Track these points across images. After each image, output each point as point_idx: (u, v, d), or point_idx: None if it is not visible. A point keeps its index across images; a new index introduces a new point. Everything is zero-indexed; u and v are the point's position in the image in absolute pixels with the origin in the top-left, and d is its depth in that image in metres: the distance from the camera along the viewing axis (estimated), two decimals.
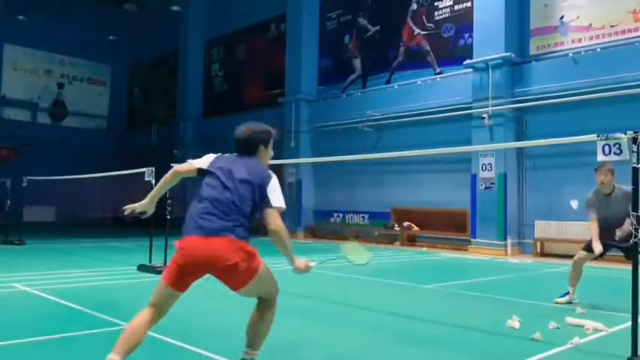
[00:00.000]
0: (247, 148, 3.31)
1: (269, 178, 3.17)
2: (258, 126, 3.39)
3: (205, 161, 3.28)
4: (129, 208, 3.53)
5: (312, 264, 3.32)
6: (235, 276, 3.00)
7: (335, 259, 3.67)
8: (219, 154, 3.39)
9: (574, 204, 5.01)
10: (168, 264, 3.07)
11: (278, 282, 3.26)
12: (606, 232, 5.95)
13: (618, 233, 5.78)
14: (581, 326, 4.89)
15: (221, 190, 3.08)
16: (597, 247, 5.82)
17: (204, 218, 3.01)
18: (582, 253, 6.28)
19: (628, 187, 4.10)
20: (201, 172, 3.25)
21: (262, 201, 3.11)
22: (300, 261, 3.24)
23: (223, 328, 4.79)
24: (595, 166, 5.84)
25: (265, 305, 3.22)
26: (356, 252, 3.73)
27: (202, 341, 4.21)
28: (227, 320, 5.13)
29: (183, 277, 3.04)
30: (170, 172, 3.41)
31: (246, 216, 3.07)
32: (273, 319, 3.26)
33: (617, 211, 5.80)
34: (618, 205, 5.82)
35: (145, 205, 3.52)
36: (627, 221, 5.32)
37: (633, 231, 3.85)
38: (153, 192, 3.50)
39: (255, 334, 3.22)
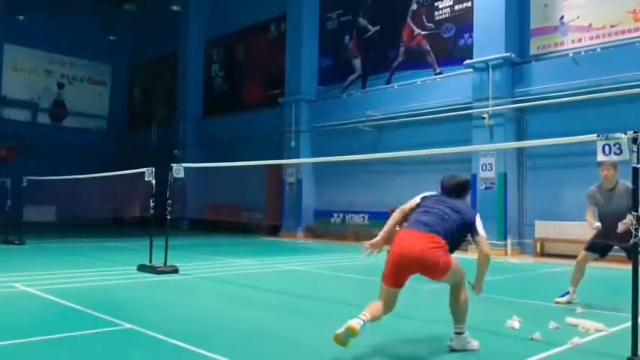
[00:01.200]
0: (461, 191, 4.37)
1: (475, 214, 4.17)
2: (464, 177, 4.52)
3: (418, 199, 4.46)
4: (367, 247, 4.50)
5: (482, 295, 4.27)
6: (437, 269, 3.91)
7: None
8: (434, 193, 4.42)
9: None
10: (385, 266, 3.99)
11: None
12: (608, 228, 5.95)
13: (621, 227, 5.77)
14: (581, 326, 4.89)
15: (429, 211, 4.16)
16: (594, 223, 5.99)
17: (421, 222, 4.07)
18: (584, 253, 6.28)
19: (631, 183, 4.10)
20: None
21: (471, 230, 4.09)
22: (480, 288, 4.18)
23: (224, 328, 4.79)
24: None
25: (457, 289, 4.08)
26: None
27: (202, 341, 4.20)
28: (228, 320, 5.13)
29: (397, 274, 3.99)
30: (397, 212, 4.56)
31: (449, 230, 3.98)
32: (467, 298, 4.08)
33: (620, 206, 5.81)
34: (620, 200, 5.83)
35: (379, 243, 4.50)
36: (629, 216, 5.32)
37: (633, 231, 3.85)
38: (385, 230, 4.53)
39: (456, 312, 4.10)
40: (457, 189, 4.34)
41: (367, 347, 4.11)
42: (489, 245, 4.14)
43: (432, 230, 3.93)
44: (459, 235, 4.04)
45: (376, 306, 3.86)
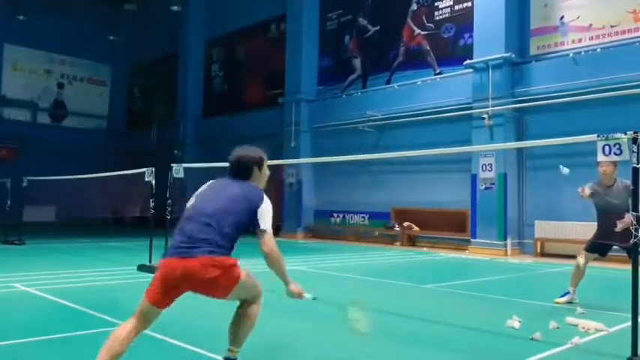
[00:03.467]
0: (240, 171, 3.42)
1: (260, 202, 3.24)
2: (251, 150, 3.50)
3: (192, 199, 3.36)
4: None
5: (307, 295, 3.42)
6: (216, 288, 3.10)
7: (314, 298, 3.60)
8: (216, 179, 3.49)
9: (564, 170, 5.00)
10: (150, 282, 3.14)
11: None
12: (607, 227, 5.96)
13: (619, 225, 5.78)
14: (581, 326, 4.89)
15: (199, 212, 3.18)
16: (584, 191, 6.01)
17: (182, 243, 3.09)
18: (584, 254, 6.28)
19: (629, 181, 4.11)
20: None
21: (253, 223, 3.21)
22: (295, 286, 3.35)
23: (224, 328, 4.78)
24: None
25: (248, 305, 3.31)
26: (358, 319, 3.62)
27: (203, 341, 4.20)
28: (227, 320, 5.12)
29: (165, 293, 3.09)
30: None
31: (227, 235, 3.12)
32: (256, 319, 3.33)
33: (618, 203, 5.82)
34: (619, 197, 5.84)
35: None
36: (627, 215, 5.33)
37: (633, 231, 3.85)
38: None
39: (237, 332, 3.31)
40: (240, 169, 3.42)
41: (368, 347, 4.11)
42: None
43: (198, 251, 3.01)
44: (243, 230, 3.22)
45: (124, 326, 3.10)
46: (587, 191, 6.01)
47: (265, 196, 3.31)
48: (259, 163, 3.47)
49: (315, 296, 3.56)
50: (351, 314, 3.56)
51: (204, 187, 3.43)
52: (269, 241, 3.19)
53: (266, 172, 3.53)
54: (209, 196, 3.28)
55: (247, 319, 3.29)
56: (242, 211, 3.18)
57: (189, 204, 3.33)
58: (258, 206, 3.22)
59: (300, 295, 3.37)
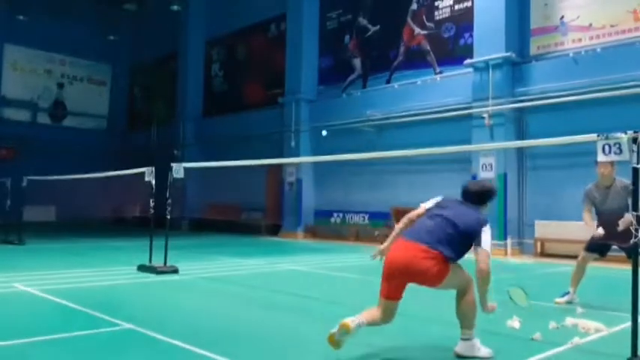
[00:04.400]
0: (479, 199, 4.14)
1: (485, 225, 3.90)
2: (490, 184, 4.38)
3: (430, 203, 4.25)
4: (376, 254, 4.26)
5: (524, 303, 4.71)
6: (429, 278, 3.80)
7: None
8: (450, 198, 4.23)
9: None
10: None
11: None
12: (606, 226, 5.96)
13: (621, 225, 5.78)
14: (581, 326, 4.89)
15: (432, 218, 4.01)
16: (597, 232, 5.97)
17: (418, 232, 3.92)
18: (584, 254, 6.29)
19: (628, 181, 4.11)
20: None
21: (474, 240, 3.87)
22: (492, 305, 3.96)
23: (224, 328, 4.79)
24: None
25: (461, 294, 3.92)
26: (520, 297, 4.88)
27: (203, 341, 4.20)
28: (228, 320, 5.13)
29: (392, 286, 3.85)
30: (405, 218, 4.27)
31: (452, 240, 3.83)
32: (473, 304, 3.89)
33: (617, 204, 5.83)
34: (618, 197, 5.84)
35: (387, 248, 4.15)
36: (627, 215, 5.33)
37: (633, 231, 3.85)
38: (392, 235, 4.22)
39: (462, 317, 3.91)
40: (476, 195, 4.14)
41: (367, 347, 4.11)
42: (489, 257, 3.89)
43: (420, 240, 3.80)
44: (461, 243, 3.87)
45: (373, 312, 3.81)
46: (598, 231, 6.04)
47: (487, 226, 3.92)
48: (492, 198, 4.21)
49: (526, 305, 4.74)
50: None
51: (443, 200, 4.22)
52: (485, 258, 3.82)
53: (489, 205, 4.22)
54: (448, 208, 4.05)
55: (466, 305, 3.87)
56: (470, 228, 3.86)
57: (424, 206, 4.24)
58: (483, 227, 3.87)
59: (493, 310, 3.98)
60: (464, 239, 3.85)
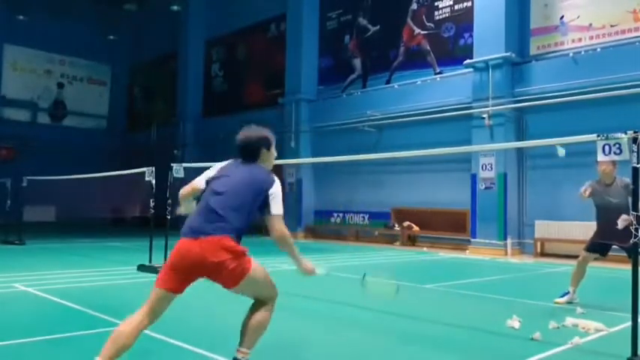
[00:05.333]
0: (248, 153, 3.36)
1: (270, 184, 3.22)
2: (258, 130, 3.43)
3: (203, 177, 3.39)
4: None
5: (320, 270, 3.49)
6: (224, 274, 3.03)
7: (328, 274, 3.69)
8: (227, 161, 3.44)
9: (560, 151, 4.93)
10: (161, 268, 3.13)
11: (276, 285, 3.30)
12: (607, 226, 5.96)
13: (621, 223, 5.77)
14: (581, 326, 4.89)
15: (213, 196, 3.16)
16: (585, 190, 5.94)
17: (194, 222, 3.10)
18: (585, 254, 6.28)
19: (628, 179, 4.11)
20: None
21: (263, 207, 3.20)
22: (307, 264, 3.40)
23: (224, 328, 4.79)
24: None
25: (260, 306, 3.24)
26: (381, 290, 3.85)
27: (203, 341, 4.20)
28: (228, 321, 5.13)
29: (177, 278, 3.08)
30: (186, 192, 3.49)
31: (238, 219, 3.10)
32: (268, 322, 3.25)
33: (617, 202, 5.83)
34: (618, 195, 5.84)
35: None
36: (624, 215, 5.33)
37: (633, 231, 3.85)
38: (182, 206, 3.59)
39: (248, 334, 3.22)
40: (248, 150, 3.36)
41: (367, 347, 4.11)
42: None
43: (210, 233, 3.01)
44: (254, 216, 3.21)
45: (133, 317, 3.08)
46: (588, 190, 6.00)
47: (276, 178, 3.28)
48: (267, 143, 3.40)
49: (328, 272, 3.62)
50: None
51: (217, 169, 3.37)
52: (278, 225, 3.21)
53: (274, 152, 3.48)
54: (222, 182, 3.22)
55: (258, 320, 3.21)
56: (252, 195, 3.15)
57: (200, 179, 3.37)
58: (268, 189, 3.19)
59: (312, 272, 3.41)
60: (256, 209, 3.21)
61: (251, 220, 3.19)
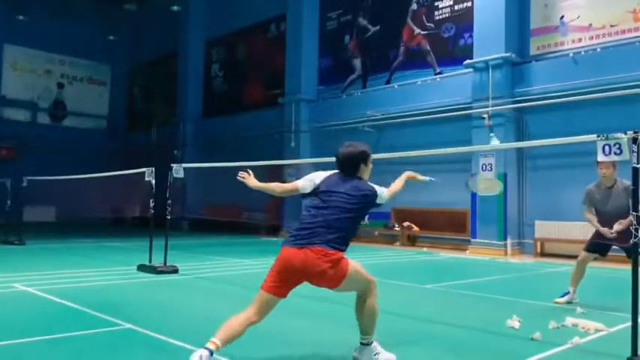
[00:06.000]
0: (350, 167, 3.75)
1: (374, 194, 3.69)
2: (357, 146, 3.82)
3: (309, 184, 3.79)
4: (244, 176, 4.21)
5: (425, 178, 4.30)
6: (327, 279, 3.46)
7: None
8: (327, 173, 3.81)
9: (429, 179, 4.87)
10: (268, 273, 3.54)
11: (371, 276, 3.68)
12: (607, 228, 5.97)
13: (616, 227, 5.79)
14: (581, 326, 4.89)
15: (320, 209, 3.57)
16: (606, 231, 5.92)
17: (300, 232, 3.51)
18: (584, 254, 6.29)
19: (629, 182, 4.11)
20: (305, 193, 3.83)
21: (372, 205, 3.72)
22: (408, 174, 4.25)
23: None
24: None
25: (362, 297, 3.65)
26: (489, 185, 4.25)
27: (203, 341, 4.20)
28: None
29: (282, 284, 3.47)
30: (279, 189, 4.07)
31: (340, 230, 3.51)
32: (374, 309, 3.65)
33: (618, 204, 5.83)
34: (619, 198, 5.84)
35: (254, 184, 4.15)
36: (626, 217, 5.34)
37: (633, 231, 3.85)
38: (263, 185, 4.13)
39: (362, 322, 3.66)
40: (347, 164, 3.75)
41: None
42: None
43: (314, 243, 3.43)
44: (358, 221, 3.68)
45: (244, 312, 3.46)
46: (591, 212, 6.09)
47: (374, 186, 3.72)
48: (366, 159, 3.79)
49: (431, 178, 4.22)
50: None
51: (318, 179, 3.74)
52: (387, 192, 3.79)
53: (370, 165, 3.86)
54: (327, 194, 3.61)
55: (366, 310, 3.61)
56: (357, 208, 3.59)
57: (304, 189, 3.78)
58: (375, 197, 3.67)
59: (415, 178, 4.09)
60: (363, 215, 3.73)
61: (356, 229, 3.67)
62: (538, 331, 4.55)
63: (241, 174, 4.24)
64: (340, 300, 6.43)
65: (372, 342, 3.69)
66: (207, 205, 22.13)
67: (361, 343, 3.69)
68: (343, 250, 3.53)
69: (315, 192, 3.70)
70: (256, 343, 4.29)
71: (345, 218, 3.52)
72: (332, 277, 3.44)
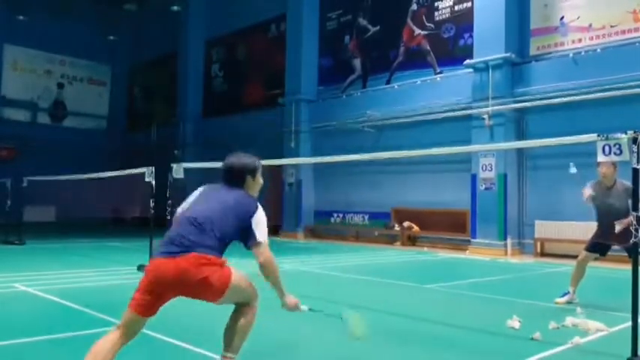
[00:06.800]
0: (233, 178, 3.33)
1: (254, 211, 3.15)
2: (244, 157, 3.40)
3: (185, 205, 3.31)
4: None
5: (303, 307, 3.42)
6: (208, 289, 2.97)
7: (325, 313, 3.65)
8: (206, 185, 3.40)
9: (573, 169, 4.83)
10: (136, 290, 3.05)
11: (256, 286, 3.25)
12: (607, 228, 5.97)
13: (617, 227, 5.79)
14: (582, 326, 4.89)
15: (191, 215, 3.10)
16: (586, 191, 5.91)
17: (171, 242, 3.00)
18: (584, 254, 6.29)
19: (629, 183, 4.11)
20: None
21: (247, 234, 3.12)
22: (290, 298, 3.36)
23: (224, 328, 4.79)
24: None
25: (243, 309, 3.21)
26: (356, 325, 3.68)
27: (203, 341, 4.20)
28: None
29: (152, 299, 2.99)
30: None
31: (218, 239, 3.05)
32: (252, 324, 3.24)
33: (617, 205, 5.83)
34: (618, 199, 5.85)
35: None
36: (628, 217, 5.34)
37: (633, 231, 3.85)
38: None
39: (234, 339, 3.18)
40: (232, 176, 3.34)
41: (366, 348, 4.11)
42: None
43: (189, 250, 2.94)
44: (232, 239, 3.18)
45: (107, 338, 2.97)
46: (589, 192, 6.00)
47: (259, 205, 3.22)
48: (253, 172, 3.38)
49: (311, 307, 3.54)
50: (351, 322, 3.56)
51: (196, 193, 3.34)
52: (265, 251, 3.12)
53: (260, 180, 3.45)
54: (201, 202, 3.20)
55: (242, 324, 3.19)
56: (234, 219, 3.09)
57: (179, 209, 3.28)
58: (252, 215, 3.13)
59: (296, 307, 3.36)
60: (240, 234, 3.16)
61: (227, 244, 3.14)
62: (538, 331, 4.55)
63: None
64: (339, 300, 6.43)
65: None
66: None
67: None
68: (221, 258, 3.08)
69: (188, 204, 3.28)
70: (256, 343, 4.29)
71: (223, 228, 3.06)
72: (214, 285, 2.94)
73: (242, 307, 3.21)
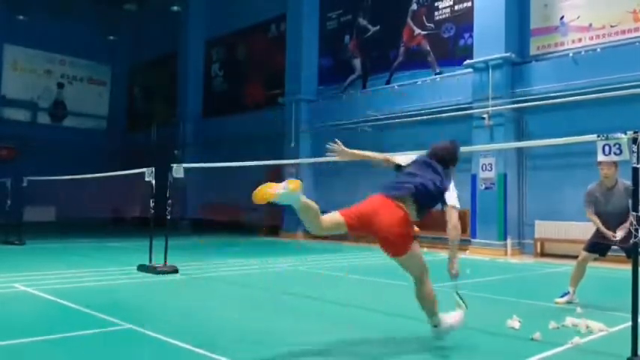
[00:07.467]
0: (442, 160, 4.19)
1: (448, 182, 4.05)
2: (457, 148, 4.35)
3: (404, 159, 4.28)
4: (337, 148, 4.32)
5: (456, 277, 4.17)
6: (395, 240, 3.92)
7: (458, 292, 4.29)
8: (421, 156, 4.29)
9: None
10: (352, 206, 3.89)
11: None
12: (607, 228, 5.97)
13: (619, 233, 5.80)
14: (581, 326, 4.89)
15: (409, 174, 4.05)
16: (610, 234, 5.91)
17: (391, 188, 3.96)
18: (584, 254, 6.28)
19: (630, 182, 4.11)
20: (398, 167, 4.28)
21: (442, 199, 4.04)
22: (456, 267, 4.14)
23: (224, 328, 4.79)
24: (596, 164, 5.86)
25: (417, 283, 4.12)
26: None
27: (203, 341, 4.20)
28: (228, 320, 5.14)
29: (358, 221, 3.83)
30: (380, 156, 4.41)
31: (422, 200, 3.99)
32: (432, 295, 4.09)
33: (619, 205, 5.84)
34: (620, 199, 5.85)
35: (348, 154, 4.34)
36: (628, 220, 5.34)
37: (633, 231, 3.85)
38: (362, 153, 4.40)
39: (424, 309, 4.11)
40: (443, 160, 4.24)
41: (366, 347, 4.11)
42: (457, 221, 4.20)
43: (401, 197, 3.93)
44: (431, 202, 4.10)
45: (317, 214, 3.75)
46: (591, 208, 6.09)
47: (452, 181, 4.11)
48: (455, 162, 4.30)
49: (457, 284, 4.25)
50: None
51: (411, 159, 4.23)
52: (453, 216, 4.12)
53: (454, 169, 4.30)
54: (419, 167, 4.10)
55: (424, 296, 4.06)
56: (438, 188, 3.99)
57: (398, 161, 4.24)
58: (447, 186, 4.02)
59: (456, 275, 4.13)
60: (435, 197, 4.08)
61: (430, 204, 4.09)
62: (538, 331, 4.55)
63: (332, 147, 4.29)
64: (338, 300, 6.43)
65: (439, 323, 4.08)
66: (207, 205, 22.13)
67: (433, 326, 4.11)
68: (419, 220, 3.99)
69: (408, 167, 4.18)
70: (256, 343, 4.29)
71: (429, 191, 3.95)
72: (400, 240, 3.89)
73: (418, 283, 4.14)
